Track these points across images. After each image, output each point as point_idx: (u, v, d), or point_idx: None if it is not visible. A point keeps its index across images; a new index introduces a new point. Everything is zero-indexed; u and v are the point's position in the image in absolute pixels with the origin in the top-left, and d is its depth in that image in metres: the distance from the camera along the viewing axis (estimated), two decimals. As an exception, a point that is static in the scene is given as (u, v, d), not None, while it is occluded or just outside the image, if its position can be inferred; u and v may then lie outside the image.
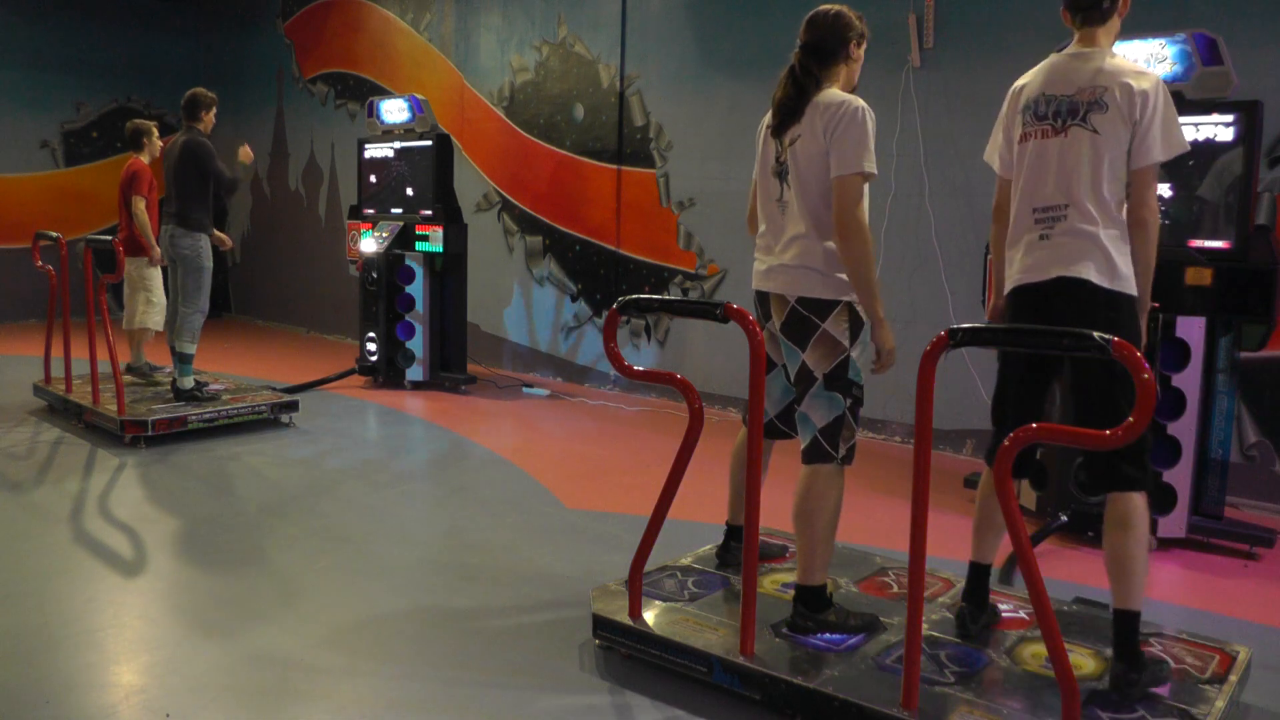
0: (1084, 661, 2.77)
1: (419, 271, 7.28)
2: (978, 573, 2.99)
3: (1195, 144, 3.93)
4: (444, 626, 3.26)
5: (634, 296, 2.92)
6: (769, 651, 2.79)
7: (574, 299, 7.84)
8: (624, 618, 2.98)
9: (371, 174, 7.81)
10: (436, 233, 7.18)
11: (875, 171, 2.84)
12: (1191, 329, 4.02)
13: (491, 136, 8.39)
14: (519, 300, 8.29)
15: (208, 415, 5.71)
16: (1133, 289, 2.70)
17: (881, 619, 3.00)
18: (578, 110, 7.70)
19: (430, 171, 7.30)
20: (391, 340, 7.37)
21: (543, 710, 2.73)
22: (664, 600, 3.14)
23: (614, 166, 7.48)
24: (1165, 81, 2.79)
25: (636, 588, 3.02)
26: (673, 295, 7.12)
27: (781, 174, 2.97)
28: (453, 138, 7.64)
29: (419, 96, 7.47)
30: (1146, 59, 4.02)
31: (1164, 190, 4.06)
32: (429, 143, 7.31)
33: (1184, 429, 4.07)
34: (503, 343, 8.46)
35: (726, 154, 6.77)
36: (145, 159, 6.43)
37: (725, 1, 6.77)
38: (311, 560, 3.85)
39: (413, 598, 3.49)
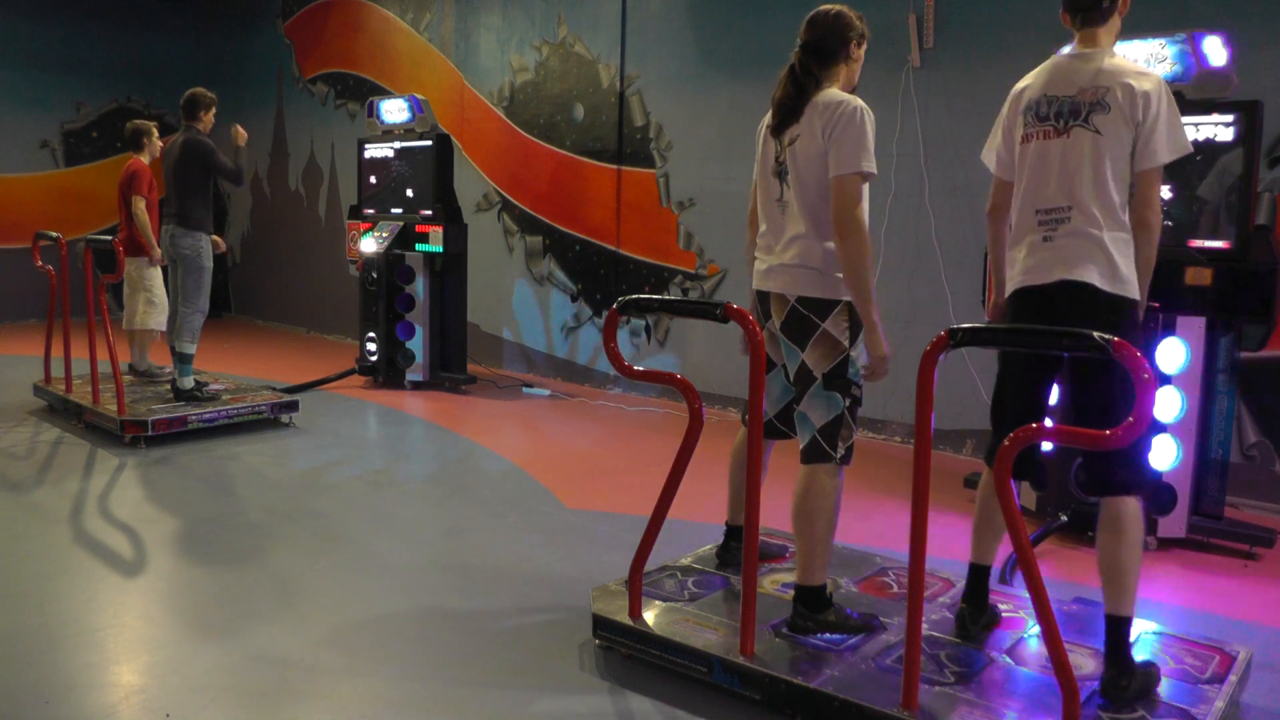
0: (1084, 661, 2.77)
1: (419, 271, 7.28)
2: (978, 574, 2.99)
3: (1195, 144, 3.93)
4: (444, 626, 3.26)
5: (634, 296, 2.92)
6: (769, 651, 2.79)
7: (574, 299, 7.84)
8: (624, 618, 2.98)
9: (371, 174, 7.81)
10: (436, 233, 7.18)
11: (874, 171, 2.84)
12: (1191, 329, 4.02)
13: (491, 136, 8.39)
14: (526, 300, 8.28)
15: (208, 415, 5.71)
16: (1134, 292, 2.69)
17: (881, 619, 3.00)
18: (578, 110, 7.70)
19: (430, 171, 7.30)
20: (391, 340, 7.37)
21: (543, 710, 2.73)
22: (664, 600, 3.14)
23: (614, 166, 7.48)
24: (1165, 81, 2.78)
25: (636, 588, 3.02)
26: (673, 295, 7.12)
27: (781, 174, 2.97)
28: (453, 138, 7.64)
29: (419, 96, 7.47)
30: (1146, 59, 4.02)
31: (1164, 191, 4.06)
32: (429, 143, 7.31)
33: (1184, 429, 4.07)
34: (503, 343, 8.46)
35: (726, 154, 6.77)
36: (145, 159, 6.43)
37: (725, 1, 6.77)
38: (311, 560, 3.85)
39: (413, 598, 3.49)
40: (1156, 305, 3.92)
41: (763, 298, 3.08)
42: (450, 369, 7.44)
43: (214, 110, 6.05)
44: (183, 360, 5.91)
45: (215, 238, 6.23)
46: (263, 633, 3.18)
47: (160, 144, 6.51)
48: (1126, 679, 2.56)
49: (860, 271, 2.80)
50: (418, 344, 7.32)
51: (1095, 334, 2.13)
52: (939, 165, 5.81)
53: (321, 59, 10.13)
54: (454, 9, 8.64)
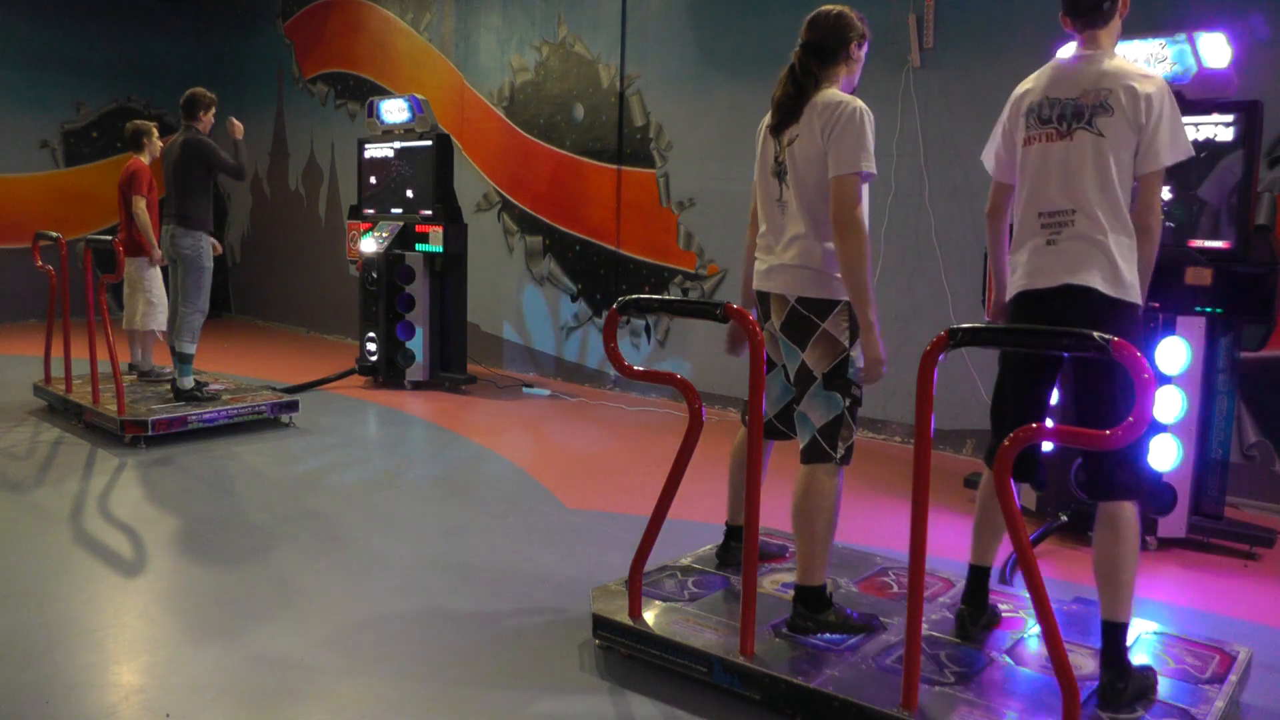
0: (1084, 661, 2.77)
1: (419, 271, 7.28)
2: (978, 575, 2.99)
3: (1195, 144, 3.93)
4: (444, 626, 3.26)
5: (634, 296, 2.92)
6: (769, 651, 2.79)
7: (574, 299, 7.84)
8: (624, 618, 2.98)
9: (371, 174, 7.81)
10: (436, 233, 7.18)
11: (874, 171, 2.84)
12: (1191, 329, 4.02)
13: (491, 136, 8.39)
14: (526, 300, 8.28)
15: (208, 415, 5.71)
16: (1137, 297, 2.68)
17: (881, 619, 3.00)
18: (578, 110, 7.70)
19: (430, 171, 7.30)
20: (391, 340, 7.37)
21: (543, 710, 2.73)
22: (664, 600, 3.14)
23: (614, 166, 7.48)
24: (1167, 84, 2.78)
25: (636, 588, 3.02)
26: (673, 295, 7.12)
27: (780, 174, 2.97)
28: (453, 138, 7.64)
29: (419, 96, 7.47)
30: (1146, 59, 4.02)
31: (1164, 192, 4.06)
32: (429, 143, 7.31)
33: (1184, 429, 4.07)
34: (503, 343, 8.46)
35: (726, 154, 6.77)
36: (145, 159, 6.44)
37: (725, 1, 6.77)
38: (311, 560, 3.85)
39: (413, 598, 3.49)
40: (1156, 305, 3.93)
41: (762, 298, 3.08)
42: (450, 369, 7.44)
43: (214, 110, 6.05)
44: (183, 360, 5.91)
45: (213, 241, 6.22)
46: (263, 633, 3.18)
47: (160, 144, 6.51)
48: (1123, 683, 2.56)
49: (858, 272, 2.80)
50: (418, 344, 7.32)
51: (1095, 334, 2.13)
52: (939, 165, 5.81)
53: (321, 59, 10.14)
54: (454, 9, 8.64)
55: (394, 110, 7.54)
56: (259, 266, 11.40)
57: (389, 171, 7.66)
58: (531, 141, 8.05)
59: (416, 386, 7.39)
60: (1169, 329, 4.05)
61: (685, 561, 3.51)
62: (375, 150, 7.74)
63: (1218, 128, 3.96)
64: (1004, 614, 3.08)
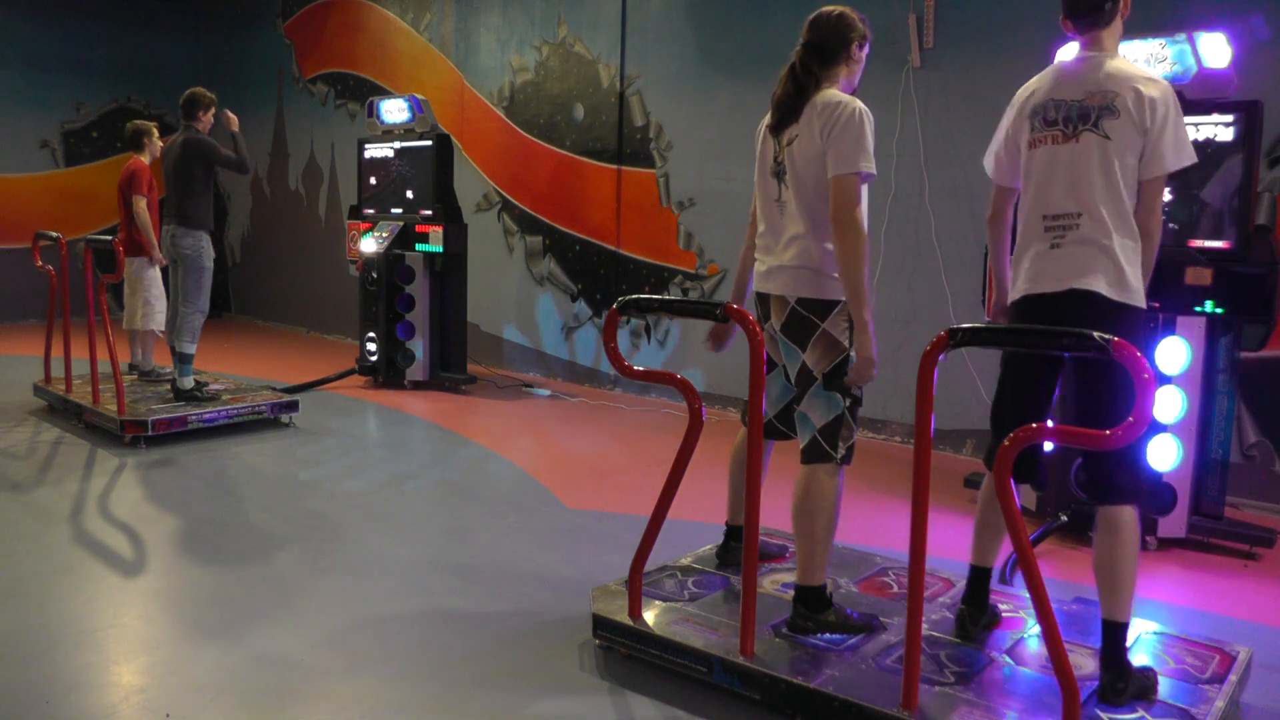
0: (1084, 661, 2.77)
1: (419, 271, 7.28)
2: (978, 576, 2.98)
3: (1195, 144, 3.92)
4: (444, 626, 3.26)
5: (634, 296, 2.92)
6: (769, 651, 2.79)
7: (574, 299, 7.84)
8: (624, 618, 2.98)
9: (371, 174, 7.80)
10: (436, 233, 7.18)
11: (874, 172, 2.83)
12: (1191, 329, 4.02)
13: (491, 136, 8.39)
14: (527, 300, 8.28)
15: (208, 415, 5.71)
16: (1140, 300, 2.67)
17: (881, 619, 3.00)
18: (578, 110, 7.70)
19: (430, 171, 7.30)
20: (391, 340, 7.37)
21: (543, 710, 2.73)
22: (664, 600, 3.14)
23: (614, 166, 7.48)
24: (1172, 87, 2.76)
25: (636, 588, 3.02)
26: (673, 295, 7.13)
27: (779, 174, 2.97)
28: (453, 138, 7.64)
29: (419, 96, 7.47)
30: (1146, 59, 4.02)
31: (1164, 194, 4.06)
32: (429, 143, 7.31)
33: (1184, 429, 4.07)
34: (503, 343, 8.46)
35: (726, 154, 6.77)
36: (145, 159, 6.44)
37: (725, 1, 6.77)
38: (311, 560, 3.85)
39: (413, 598, 3.49)
40: (1156, 306, 3.93)
41: (762, 299, 3.08)
42: (450, 369, 7.44)
43: (213, 110, 6.05)
44: (183, 360, 5.92)
45: (230, 114, 6.14)
46: (263, 633, 3.18)
47: (161, 144, 6.51)
48: (1123, 683, 2.56)
49: (856, 272, 2.79)
50: (418, 344, 7.32)
51: (1095, 334, 2.13)
52: (939, 165, 5.81)
53: (321, 59, 10.14)
54: (454, 9, 8.64)
55: (394, 110, 7.54)
56: (259, 266, 11.40)
57: (389, 171, 7.66)
58: (531, 141, 8.05)
59: (416, 386, 7.39)
60: (1169, 329, 4.05)
61: (685, 561, 3.51)
62: (375, 150, 7.74)
63: (1218, 128, 3.96)
64: (1004, 614, 3.08)
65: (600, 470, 5.36)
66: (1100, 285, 2.63)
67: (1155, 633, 3.00)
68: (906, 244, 5.94)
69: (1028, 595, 2.40)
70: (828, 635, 2.89)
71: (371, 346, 7.47)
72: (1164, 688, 2.64)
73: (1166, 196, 4.03)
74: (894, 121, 5.88)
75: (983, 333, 2.35)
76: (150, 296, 6.57)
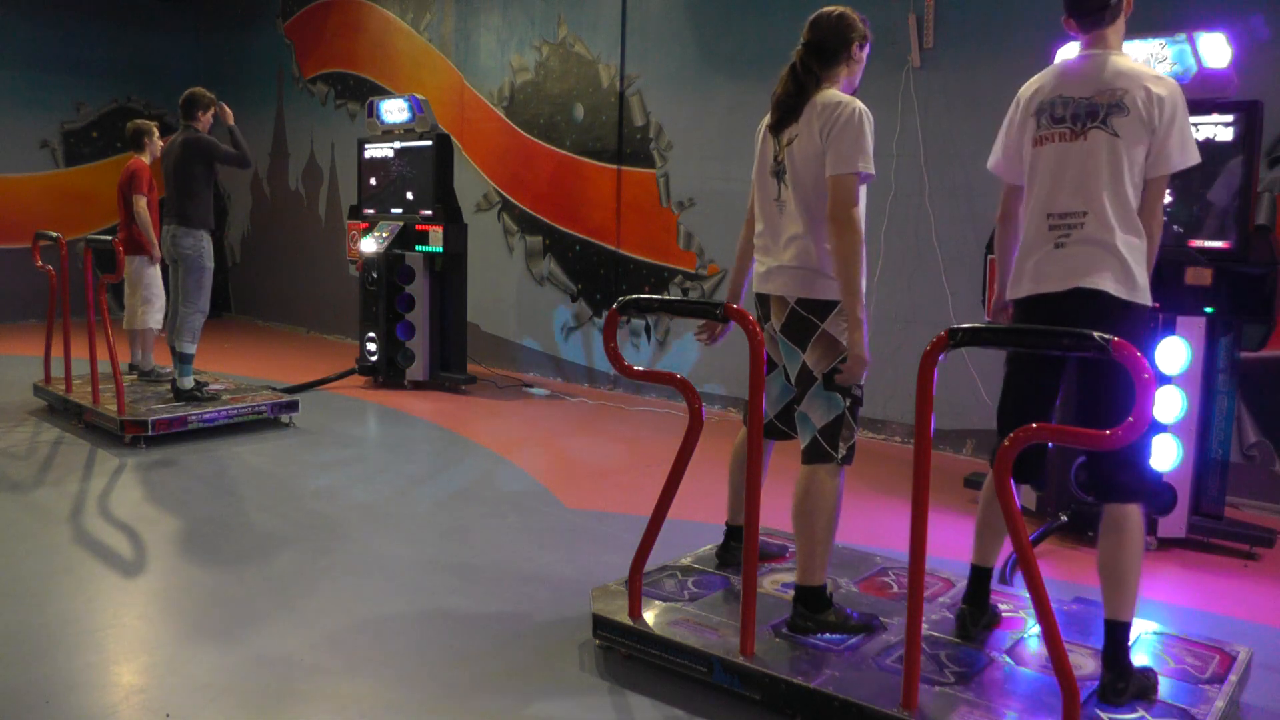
0: (1084, 661, 2.77)
1: (419, 271, 7.28)
2: (979, 575, 2.98)
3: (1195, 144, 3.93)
4: (444, 627, 3.26)
5: (634, 296, 2.92)
6: (769, 651, 2.79)
7: (574, 299, 7.84)
8: (624, 618, 2.98)
9: (371, 174, 7.80)
10: (436, 233, 7.18)
11: (872, 172, 2.83)
12: (1191, 329, 4.02)
13: (491, 136, 8.39)
14: (526, 300, 8.28)
15: (208, 415, 5.71)
16: (1147, 299, 2.66)
17: (881, 619, 3.00)
18: (578, 110, 7.70)
19: (430, 171, 7.30)
20: (391, 340, 7.37)
21: (543, 710, 2.73)
22: (664, 600, 3.14)
23: (614, 166, 7.48)
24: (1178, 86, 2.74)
25: (636, 588, 3.02)
26: (673, 295, 7.12)
27: (779, 174, 2.97)
28: (453, 138, 7.64)
29: (419, 96, 7.47)
30: (1146, 59, 4.02)
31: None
32: (429, 143, 7.31)
33: (1184, 429, 4.07)
34: (503, 342, 8.46)
35: (726, 154, 6.77)
36: (146, 159, 6.44)
37: (725, 1, 6.77)
38: (311, 560, 3.85)
39: (413, 598, 3.49)
40: (1156, 305, 3.92)
41: (762, 299, 3.08)
42: (450, 369, 7.44)
43: (213, 110, 6.05)
44: (183, 360, 5.92)
45: (225, 109, 6.14)
46: (263, 633, 3.18)
47: (161, 144, 6.52)
48: (1124, 683, 2.56)
49: (851, 270, 2.78)
50: (418, 344, 7.32)
51: (1095, 334, 2.13)
52: (939, 165, 5.81)
53: (321, 59, 10.13)
54: (454, 9, 8.64)
55: (394, 110, 7.54)
56: (259, 266, 11.40)
57: (389, 171, 7.66)
58: (531, 141, 8.05)
59: (416, 386, 7.39)
60: (1169, 329, 4.05)
61: (685, 561, 3.51)
62: (375, 150, 7.74)
63: (1218, 128, 3.96)
64: (1004, 614, 3.08)
65: (600, 470, 5.36)
66: (1107, 284, 2.62)
67: (1155, 633, 3.00)
68: (906, 244, 5.94)
69: (1028, 595, 2.40)
70: (828, 635, 2.89)
71: (371, 346, 7.47)
72: (1164, 688, 2.64)
73: (1166, 197, 4.04)
74: (894, 121, 5.88)
75: (983, 333, 2.35)
76: (150, 295, 6.57)
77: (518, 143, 8.16)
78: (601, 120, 7.53)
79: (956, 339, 2.32)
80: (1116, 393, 2.60)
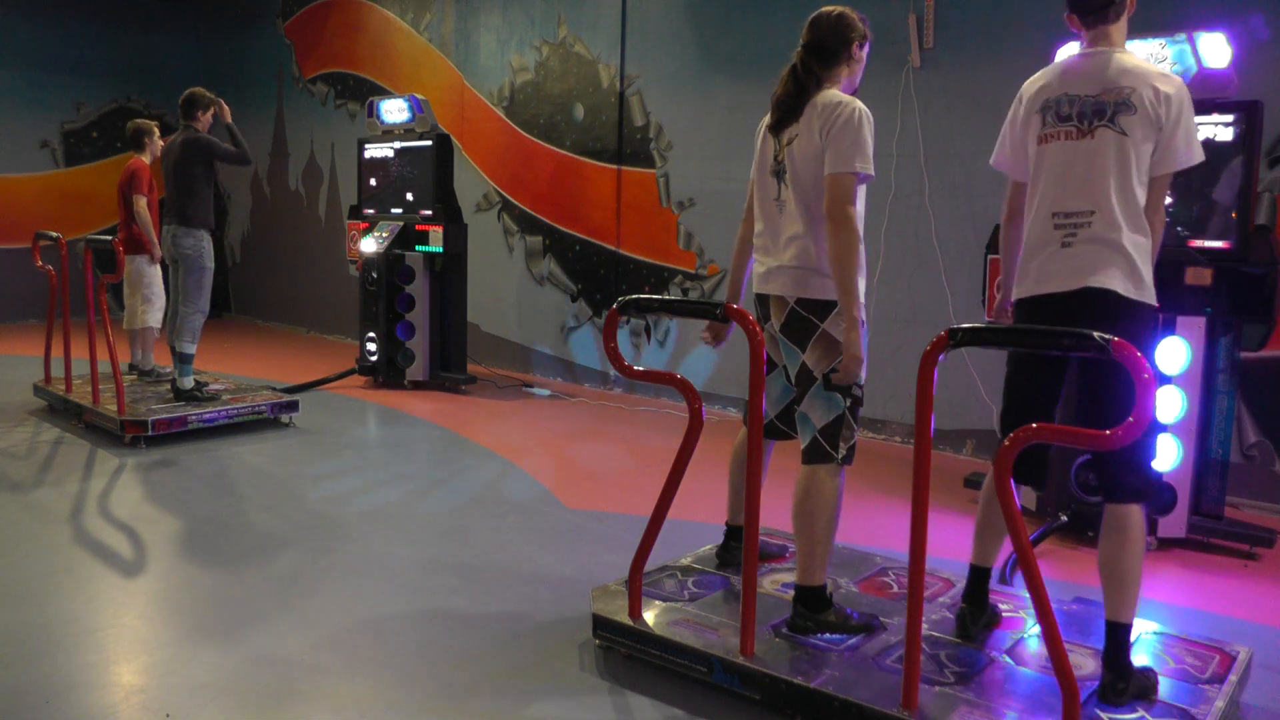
0: (1084, 661, 2.77)
1: (419, 271, 7.28)
2: (978, 575, 2.98)
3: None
4: (444, 627, 3.26)
5: (634, 296, 2.92)
6: (769, 651, 2.79)
7: (574, 299, 7.84)
8: (624, 618, 2.98)
9: (371, 174, 7.80)
10: (436, 233, 7.18)
11: (871, 173, 2.83)
12: (1191, 329, 4.02)
13: (491, 136, 8.39)
14: (526, 300, 8.28)
15: (208, 415, 5.71)
16: (1153, 298, 2.65)
17: (881, 619, 3.00)
18: (578, 110, 7.70)
19: (430, 171, 7.30)
20: (391, 340, 7.37)
21: (543, 710, 2.73)
22: (664, 600, 3.14)
23: (614, 166, 7.48)
24: (1184, 84, 2.74)
25: (636, 588, 3.02)
26: (673, 295, 7.12)
27: (779, 173, 2.97)
28: (453, 138, 7.64)
29: (419, 96, 7.47)
30: (1146, 59, 4.01)
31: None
32: (429, 143, 7.31)
33: (1184, 429, 4.07)
34: (503, 342, 8.46)
35: (726, 154, 6.77)
36: (146, 159, 6.44)
37: (725, 1, 6.77)
38: (311, 560, 3.85)
39: (413, 598, 3.49)
40: (1156, 305, 3.92)
41: (761, 299, 3.08)
42: (450, 369, 7.44)
43: (213, 110, 6.05)
44: (183, 360, 5.92)
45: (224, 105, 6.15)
46: (263, 633, 3.18)
47: (161, 143, 6.52)
48: (1124, 683, 2.56)
49: (847, 268, 2.78)
50: (418, 344, 7.32)
51: (1095, 334, 2.12)
52: (939, 165, 5.81)
53: (321, 59, 10.13)
54: (454, 9, 8.64)
55: (394, 110, 7.54)
56: (259, 266, 11.40)
57: (389, 171, 7.66)
58: (531, 141, 8.05)
59: (416, 386, 7.39)
60: (1169, 329, 4.05)
61: (685, 561, 3.51)
62: (375, 150, 7.74)
63: (1218, 128, 3.96)
64: (1004, 614, 3.08)
65: (600, 470, 5.36)
66: (1115, 283, 2.60)
67: (1155, 633, 3.00)
68: (906, 244, 5.94)
69: (1028, 595, 2.40)
70: (828, 635, 2.89)
71: (371, 346, 7.47)
72: (1164, 688, 2.64)
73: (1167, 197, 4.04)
74: (894, 121, 5.88)
75: (983, 333, 2.35)
76: (150, 294, 6.57)
77: (518, 143, 8.16)
78: (601, 120, 7.53)
79: (956, 339, 2.32)
80: (1117, 392, 2.60)
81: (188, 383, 5.91)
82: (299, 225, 10.66)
